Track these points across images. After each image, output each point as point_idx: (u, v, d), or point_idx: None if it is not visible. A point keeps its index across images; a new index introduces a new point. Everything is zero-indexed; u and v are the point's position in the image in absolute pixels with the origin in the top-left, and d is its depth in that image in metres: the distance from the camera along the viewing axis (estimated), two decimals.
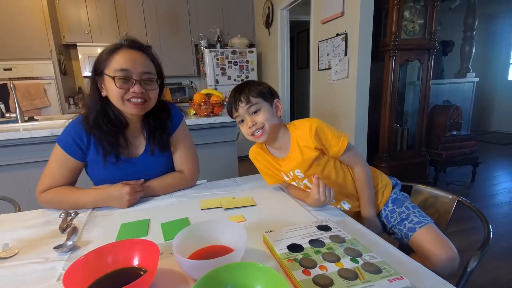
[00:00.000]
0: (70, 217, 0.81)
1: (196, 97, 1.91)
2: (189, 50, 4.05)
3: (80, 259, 0.48)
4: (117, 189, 0.85)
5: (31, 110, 3.26)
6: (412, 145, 2.76)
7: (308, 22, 3.01)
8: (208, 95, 1.97)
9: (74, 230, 0.73)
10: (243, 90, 0.84)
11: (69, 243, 0.66)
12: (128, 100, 0.83)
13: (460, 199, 0.97)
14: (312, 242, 0.58)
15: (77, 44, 3.53)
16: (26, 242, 0.69)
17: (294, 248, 0.56)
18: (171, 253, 0.59)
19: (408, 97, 2.81)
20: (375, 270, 0.48)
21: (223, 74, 3.78)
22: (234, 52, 3.79)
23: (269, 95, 0.88)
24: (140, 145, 0.96)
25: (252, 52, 3.87)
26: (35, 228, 0.76)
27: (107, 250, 0.51)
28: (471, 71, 3.42)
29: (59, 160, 0.88)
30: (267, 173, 0.97)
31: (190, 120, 1.82)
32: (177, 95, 4.13)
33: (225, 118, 1.93)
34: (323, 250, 0.55)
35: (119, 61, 0.81)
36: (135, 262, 0.52)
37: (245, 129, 0.86)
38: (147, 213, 0.80)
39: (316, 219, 0.73)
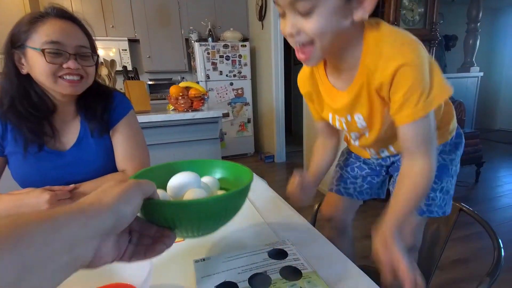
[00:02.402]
0: None
1: (173, 90, 1.74)
2: (179, 44, 3.88)
3: None
4: (35, 195, 0.68)
5: None
6: None
7: None
8: (187, 88, 1.81)
9: None
10: None
11: None
12: (60, 77, 0.69)
13: (464, 208, 0.81)
14: (254, 278, 0.41)
15: None
16: None
17: None
18: None
19: None
20: None
21: (214, 69, 3.61)
22: (226, 46, 3.61)
23: None
24: (71, 134, 0.79)
25: (245, 46, 3.69)
26: None
27: None
28: (475, 65, 3.23)
29: None
30: (315, 107, 0.73)
31: (164, 115, 1.65)
32: (167, 92, 3.96)
33: (205, 114, 1.76)
34: None
35: (47, 32, 0.67)
36: None
37: (284, 29, 0.53)
38: None
39: (276, 239, 0.56)
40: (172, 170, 0.49)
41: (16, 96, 0.70)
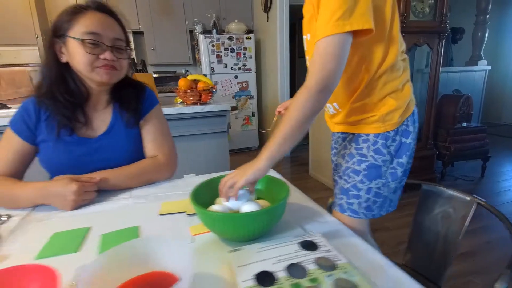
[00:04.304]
0: (0, 222, 0.66)
1: (181, 83, 1.73)
2: (183, 36, 3.84)
3: None
4: (61, 185, 0.69)
5: (16, 98, 3.10)
6: (419, 137, 2.57)
7: None
8: (196, 81, 1.80)
9: None
10: None
11: None
12: (98, 67, 0.73)
13: (481, 202, 0.81)
14: (291, 268, 0.41)
15: None
16: None
17: (264, 279, 0.39)
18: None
19: (415, 86, 2.60)
20: None
21: (219, 62, 3.59)
22: (230, 39, 3.58)
23: None
24: (103, 122, 0.83)
25: (250, 38, 3.66)
26: None
27: None
28: (483, 58, 3.19)
29: (6, 143, 0.76)
30: None
31: (174, 109, 1.65)
32: (172, 85, 3.94)
33: (214, 107, 1.76)
34: (304, 282, 0.38)
35: (87, 23, 0.71)
36: None
37: None
38: (91, 219, 0.64)
39: (302, 231, 0.57)
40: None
41: (55, 82, 0.74)
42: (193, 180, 0.87)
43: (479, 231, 1.84)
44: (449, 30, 2.32)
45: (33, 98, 0.76)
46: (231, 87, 3.71)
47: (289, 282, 0.39)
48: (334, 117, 0.82)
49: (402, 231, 1.85)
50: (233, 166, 1.34)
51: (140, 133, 0.87)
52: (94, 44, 0.71)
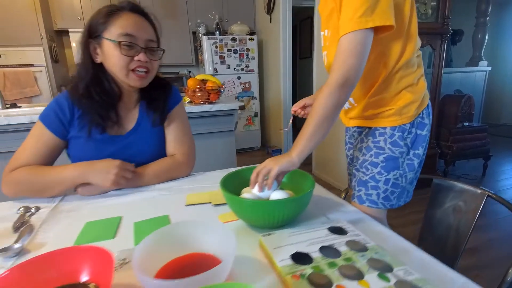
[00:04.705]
0: (30, 213, 0.68)
1: (190, 83, 1.76)
2: (186, 37, 3.87)
3: (1, 276, 0.34)
4: (105, 161, 0.73)
5: (21, 99, 3.11)
6: None
7: (311, 9, 2.84)
8: (204, 81, 1.82)
9: (29, 229, 0.60)
10: None
11: (17, 246, 0.52)
12: (132, 71, 0.75)
13: (492, 195, 0.83)
14: (324, 250, 0.44)
15: (69, 30, 3.36)
16: None
17: (300, 258, 0.42)
18: None
19: None
20: None
21: (222, 62, 3.62)
22: (233, 40, 3.61)
23: None
24: (131, 120, 0.85)
25: (253, 39, 3.69)
26: None
27: (42, 262, 0.37)
28: (483, 59, 3.24)
29: (37, 135, 0.76)
30: None
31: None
32: (175, 85, 3.96)
33: (221, 106, 1.78)
34: (339, 261, 0.41)
35: (122, 25, 0.72)
36: (84, 277, 0.38)
37: None
38: (121, 209, 0.66)
39: (326, 219, 0.59)
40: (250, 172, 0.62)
41: (91, 83, 0.75)
42: (212, 175, 0.89)
43: (485, 228, 1.88)
44: (451, 31, 2.35)
45: (67, 94, 0.78)
46: (234, 87, 3.74)
47: (324, 261, 0.41)
48: (349, 112, 0.84)
49: (407, 229, 1.88)
50: (238, 165, 1.35)
51: (163, 130, 0.89)
52: (129, 46, 0.72)
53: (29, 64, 3.16)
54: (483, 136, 2.73)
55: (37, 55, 3.17)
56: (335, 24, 0.68)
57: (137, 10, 0.76)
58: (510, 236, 1.82)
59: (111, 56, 0.73)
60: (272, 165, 0.58)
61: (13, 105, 1.85)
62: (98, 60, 0.75)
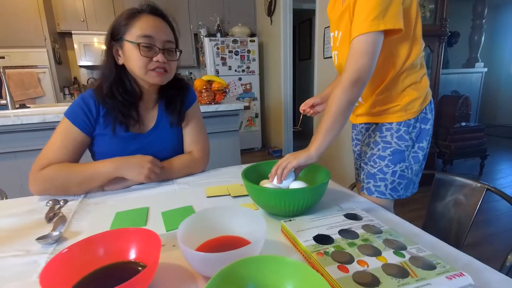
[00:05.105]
0: (59, 206, 0.72)
1: (197, 83, 1.80)
2: (188, 39, 3.92)
3: (62, 252, 0.39)
4: (139, 156, 0.78)
5: (24, 100, 3.14)
6: None
7: (311, 11, 2.90)
8: (210, 82, 1.87)
9: (62, 219, 0.64)
10: None
11: (55, 233, 0.56)
12: (151, 69, 0.78)
13: (491, 188, 0.88)
14: (343, 232, 0.48)
15: (72, 32, 3.39)
16: (5, 232, 0.59)
17: (322, 239, 0.47)
18: (174, 245, 0.50)
19: None
20: (427, 265, 0.39)
21: (224, 64, 3.67)
22: (235, 41, 3.66)
23: None
24: (151, 119, 0.89)
25: (254, 41, 3.74)
26: (17, 217, 0.66)
27: (96, 241, 0.42)
28: (480, 61, 3.32)
29: (64, 132, 0.79)
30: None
31: None
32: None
33: (227, 106, 1.83)
34: (358, 242, 0.46)
35: (142, 27, 0.75)
36: (132, 256, 0.43)
37: None
38: (146, 201, 0.71)
39: (339, 208, 0.64)
40: (272, 166, 0.68)
41: (114, 83, 0.79)
42: (226, 171, 0.94)
43: (485, 223, 1.94)
44: (449, 33, 2.42)
45: (92, 93, 0.81)
46: (235, 88, 3.79)
47: (344, 242, 0.46)
48: (356, 110, 0.89)
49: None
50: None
51: (181, 129, 0.94)
52: (148, 47, 0.75)
53: (32, 66, 3.19)
54: (480, 136, 2.80)
55: (41, 57, 3.20)
56: (346, 25, 0.73)
57: (156, 12, 0.79)
58: (509, 231, 1.88)
59: (131, 57, 0.76)
60: (291, 159, 0.63)
61: (22, 106, 1.89)
62: (120, 61, 0.79)
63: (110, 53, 0.79)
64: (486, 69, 3.32)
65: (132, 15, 0.76)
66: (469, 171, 2.92)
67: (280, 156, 3.78)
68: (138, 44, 0.74)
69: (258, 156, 3.91)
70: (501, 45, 5.03)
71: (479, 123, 3.53)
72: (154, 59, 0.76)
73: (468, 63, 3.38)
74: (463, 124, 2.77)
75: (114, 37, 0.77)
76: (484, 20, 3.28)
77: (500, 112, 5.21)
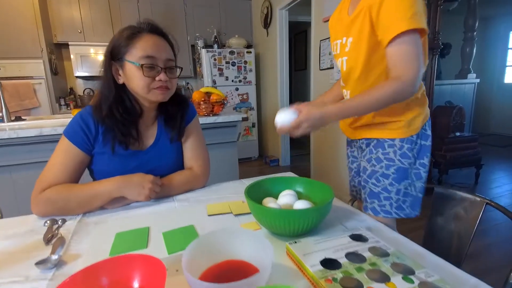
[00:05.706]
0: (57, 226, 0.70)
1: (196, 95, 1.81)
2: (185, 50, 3.94)
3: (65, 282, 0.38)
4: (140, 175, 0.77)
5: (20, 111, 3.11)
6: None
7: (306, 23, 2.95)
8: (208, 94, 1.87)
9: (61, 241, 0.62)
10: None
11: (54, 257, 0.55)
12: (154, 88, 0.78)
13: (491, 203, 0.89)
14: (350, 256, 0.48)
15: (69, 43, 3.40)
16: (3, 255, 0.58)
17: (330, 264, 0.46)
18: (177, 270, 0.49)
19: None
20: None
21: (221, 74, 3.69)
22: (232, 53, 3.70)
23: None
24: (150, 136, 0.89)
25: (250, 52, 3.79)
26: (15, 239, 0.65)
27: (99, 270, 0.41)
28: (472, 72, 3.39)
29: (64, 152, 0.78)
30: None
31: None
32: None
33: (225, 118, 1.83)
34: (366, 266, 0.45)
35: (143, 47, 0.75)
36: (135, 285, 0.41)
37: None
38: (146, 220, 0.70)
39: (344, 228, 0.64)
40: (274, 183, 0.72)
41: (114, 103, 0.78)
42: (227, 186, 0.93)
43: (484, 233, 1.94)
44: (442, 46, 2.47)
45: (90, 110, 0.81)
46: (232, 98, 3.80)
47: (352, 266, 0.45)
48: (357, 121, 0.88)
49: (411, 235, 1.92)
50: (241, 176, 1.38)
51: (181, 145, 0.93)
52: (150, 67, 0.75)
53: (28, 76, 3.17)
54: (474, 145, 2.83)
55: (37, 68, 3.19)
56: (360, 30, 0.73)
57: (156, 31, 0.79)
58: (507, 241, 1.88)
59: (133, 77, 0.76)
60: (305, 126, 0.67)
61: (18, 118, 1.87)
62: (121, 81, 0.79)
63: (110, 73, 0.78)
64: (478, 80, 3.39)
65: (132, 35, 0.75)
66: (465, 181, 2.94)
67: (277, 166, 3.79)
68: (141, 66, 0.74)
69: (255, 165, 3.90)
70: (492, 56, 5.16)
71: (473, 132, 3.58)
72: (157, 78, 0.76)
73: (460, 74, 3.45)
74: (458, 134, 2.80)
75: (114, 57, 0.77)
76: (475, 33, 3.36)
77: (493, 121, 5.31)
